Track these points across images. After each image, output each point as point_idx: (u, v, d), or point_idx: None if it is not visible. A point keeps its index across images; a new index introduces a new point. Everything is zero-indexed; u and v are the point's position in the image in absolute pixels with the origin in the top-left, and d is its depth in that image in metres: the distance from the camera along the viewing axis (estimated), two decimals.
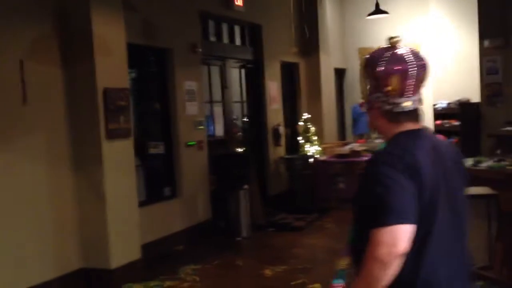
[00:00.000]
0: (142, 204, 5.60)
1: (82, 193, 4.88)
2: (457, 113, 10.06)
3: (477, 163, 3.97)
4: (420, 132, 1.69)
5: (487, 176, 3.84)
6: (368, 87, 1.75)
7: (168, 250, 5.89)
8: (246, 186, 6.67)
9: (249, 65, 8.30)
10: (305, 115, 9.05)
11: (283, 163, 8.71)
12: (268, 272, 5.07)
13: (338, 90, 11.98)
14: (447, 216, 1.64)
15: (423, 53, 1.74)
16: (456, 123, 10.10)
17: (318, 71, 9.88)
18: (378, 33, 11.79)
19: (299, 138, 8.99)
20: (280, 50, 8.91)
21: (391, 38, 1.74)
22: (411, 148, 1.61)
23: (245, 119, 8.39)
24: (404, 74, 1.65)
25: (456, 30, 10.87)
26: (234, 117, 7.99)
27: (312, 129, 8.92)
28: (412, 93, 1.67)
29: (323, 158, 8.60)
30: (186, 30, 6.52)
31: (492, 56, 9.08)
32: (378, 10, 9.49)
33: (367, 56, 1.77)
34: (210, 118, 7.38)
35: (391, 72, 1.66)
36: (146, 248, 5.35)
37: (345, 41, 12.23)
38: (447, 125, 10.44)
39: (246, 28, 8.25)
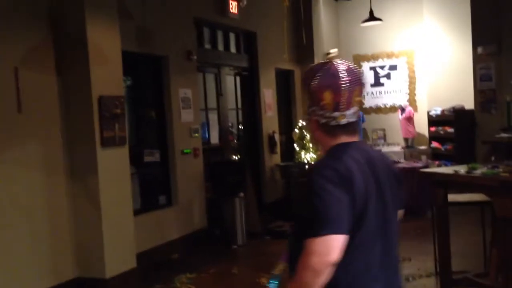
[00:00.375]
0: (137, 212, 5.58)
1: (77, 201, 4.86)
2: (451, 120, 10.10)
3: (471, 170, 3.98)
4: (355, 145, 1.74)
5: (481, 183, 3.85)
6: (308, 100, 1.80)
7: (164, 259, 5.87)
8: (241, 194, 6.66)
9: (244, 73, 8.32)
10: (301, 122, 9.06)
11: (278, 171, 8.71)
12: (264, 280, 5.05)
13: None
14: (377, 228, 1.69)
15: (358, 69, 1.78)
16: (450, 130, 10.14)
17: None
18: (372, 40, 11.87)
19: (295, 145, 9.00)
20: (275, 58, 8.94)
21: (328, 53, 1.74)
22: (346, 161, 1.66)
23: (240, 127, 8.39)
24: (336, 89, 1.69)
25: (449, 37, 10.94)
26: (230, 124, 8.00)
27: (308, 136, 8.93)
28: (345, 108, 1.72)
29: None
30: (181, 38, 6.53)
31: (485, 63, 9.15)
32: (372, 18, 9.55)
33: (306, 70, 1.82)
34: (206, 125, 7.39)
35: (324, 87, 1.70)
36: (142, 256, 5.33)
37: (340, 48, 12.26)
38: (442, 132, 10.48)
39: (241, 35, 8.27)
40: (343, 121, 1.72)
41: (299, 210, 1.69)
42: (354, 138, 1.76)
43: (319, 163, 1.73)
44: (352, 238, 1.62)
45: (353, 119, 1.74)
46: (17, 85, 4.39)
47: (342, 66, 1.72)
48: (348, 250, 1.61)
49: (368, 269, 1.68)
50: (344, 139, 1.75)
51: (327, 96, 1.70)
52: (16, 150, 4.40)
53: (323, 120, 1.73)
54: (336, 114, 1.71)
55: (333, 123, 1.73)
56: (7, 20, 4.38)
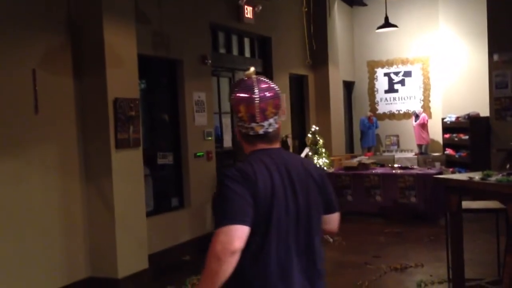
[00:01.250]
0: (150, 214, 5.63)
1: (91, 202, 4.91)
2: (466, 127, 10.02)
3: (486, 177, 3.95)
4: (271, 151, 1.91)
5: (496, 190, 3.82)
6: None
7: (175, 260, 5.90)
8: None
9: None
10: (314, 127, 9.06)
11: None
12: None
13: (346, 103, 12.01)
14: (289, 229, 1.83)
15: (273, 84, 1.94)
16: (465, 137, 10.06)
17: (326, 83, 9.92)
18: (387, 46, 11.85)
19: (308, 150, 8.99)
20: (289, 63, 8.96)
21: (247, 70, 1.96)
22: (253, 163, 1.84)
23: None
24: (249, 103, 1.87)
25: (465, 44, 10.88)
26: None
27: (320, 141, 8.93)
28: (261, 119, 1.88)
29: (331, 170, 8.60)
30: (196, 42, 6.58)
31: (501, 70, 9.07)
32: (387, 24, 9.54)
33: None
34: (219, 129, 7.42)
35: (238, 101, 1.89)
36: (154, 258, 5.37)
37: (354, 54, 12.28)
38: (456, 139, 10.40)
39: (255, 40, 8.31)
40: (261, 131, 1.90)
41: (214, 208, 1.85)
42: (273, 146, 1.94)
43: (233, 167, 1.88)
44: (261, 237, 1.78)
45: (270, 130, 1.91)
46: (34, 86, 4.46)
47: (256, 82, 1.90)
48: (259, 249, 1.78)
49: (279, 269, 1.80)
50: (262, 146, 1.92)
51: (242, 109, 1.88)
52: (32, 151, 4.47)
53: (243, 130, 1.92)
54: (253, 125, 1.89)
55: (252, 133, 1.91)
56: (26, 23, 4.46)
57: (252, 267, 1.79)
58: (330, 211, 2.03)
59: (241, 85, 1.91)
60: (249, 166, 1.84)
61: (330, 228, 2.09)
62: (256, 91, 1.87)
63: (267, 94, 1.89)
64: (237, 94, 1.89)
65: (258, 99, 1.86)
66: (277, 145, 1.95)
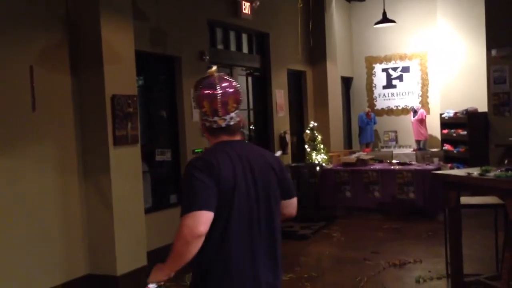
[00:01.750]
0: (148, 211, 5.62)
1: (89, 199, 4.90)
2: (464, 122, 10.03)
3: (484, 172, 3.95)
4: (232, 143, 2.09)
5: (494, 186, 3.82)
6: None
7: None
8: None
9: (256, 73, 8.33)
10: (312, 123, 9.06)
11: (289, 171, 8.71)
12: None
13: (344, 99, 12.01)
14: (250, 215, 2.00)
15: (233, 81, 2.12)
16: (463, 132, 10.07)
17: (325, 79, 9.91)
18: (385, 42, 11.84)
19: (306, 146, 9.00)
20: (287, 58, 8.95)
21: (209, 68, 2.13)
22: (217, 154, 2.01)
23: (252, 127, 8.41)
24: (212, 98, 2.04)
25: (463, 39, 10.87)
26: (241, 124, 8.01)
27: (319, 137, 8.93)
28: (223, 113, 2.06)
29: (330, 166, 8.60)
30: (194, 38, 6.56)
31: (499, 66, 9.08)
32: (385, 19, 9.52)
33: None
34: None
35: (202, 96, 2.06)
36: (152, 254, 5.36)
37: (352, 50, 12.26)
38: (454, 134, 10.41)
39: (253, 36, 8.29)
40: (223, 124, 2.08)
41: (181, 196, 2.02)
42: (235, 138, 2.12)
43: (196, 156, 2.06)
44: (224, 223, 1.94)
45: (232, 123, 2.09)
46: (32, 84, 4.44)
47: (218, 79, 2.07)
48: (222, 233, 1.95)
49: (242, 251, 1.97)
50: (225, 138, 2.09)
51: (206, 104, 2.06)
52: (30, 148, 4.46)
53: (207, 124, 2.10)
54: (216, 119, 2.07)
55: (215, 126, 2.08)
56: (23, 20, 4.44)
57: (216, 250, 1.95)
58: (288, 196, 2.24)
59: (204, 82, 2.08)
60: (213, 156, 1.99)
61: (289, 212, 2.28)
62: (218, 87, 2.04)
63: (228, 90, 2.06)
64: (201, 91, 2.06)
65: (220, 94, 2.04)
66: (238, 137, 2.13)
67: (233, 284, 1.97)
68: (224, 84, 2.06)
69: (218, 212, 1.92)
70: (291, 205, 2.27)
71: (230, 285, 1.97)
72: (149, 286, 2.02)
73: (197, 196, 1.89)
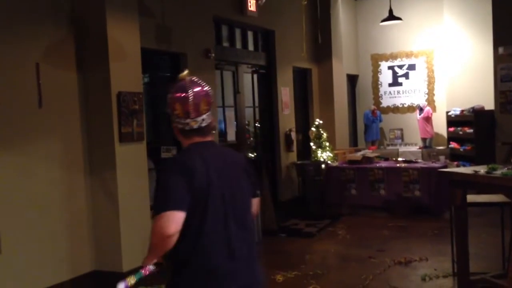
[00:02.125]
0: None
1: (95, 196, 4.92)
2: (471, 120, 9.98)
3: (491, 170, 3.93)
4: (205, 144, 2.16)
5: (501, 184, 3.80)
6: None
7: None
8: (257, 191, 6.66)
9: (261, 71, 8.32)
10: (317, 121, 9.04)
11: (294, 169, 8.71)
12: (279, 277, 5.06)
13: (350, 96, 11.97)
14: (225, 213, 2.07)
15: (204, 84, 2.18)
16: (469, 130, 10.02)
17: (330, 77, 9.88)
18: (391, 39, 11.79)
19: (311, 143, 8.98)
20: (292, 56, 8.93)
21: (181, 73, 2.19)
22: (191, 154, 2.08)
23: (257, 124, 8.40)
24: (184, 101, 2.10)
25: (470, 37, 10.81)
26: (246, 122, 8.01)
27: (324, 135, 8.91)
28: (195, 115, 2.12)
29: (335, 164, 8.58)
30: (199, 35, 6.56)
31: (506, 63, 9.01)
32: (391, 17, 9.47)
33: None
34: (223, 122, 7.41)
35: (174, 99, 2.13)
36: None
37: (358, 47, 12.22)
38: (461, 132, 10.36)
39: (259, 33, 8.28)
40: (195, 126, 2.13)
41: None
42: (207, 139, 2.18)
43: (170, 158, 2.10)
44: (200, 220, 2.01)
45: (204, 124, 2.15)
46: (38, 80, 4.46)
47: (189, 82, 2.14)
48: (199, 230, 2.01)
49: (217, 250, 2.04)
50: (198, 140, 2.16)
51: (178, 107, 2.12)
52: (36, 145, 4.47)
53: (180, 126, 2.15)
54: (188, 120, 2.12)
55: (187, 128, 2.14)
56: (30, 16, 4.45)
57: (192, 247, 2.02)
58: (254, 195, 2.32)
59: (177, 85, 2.15)
60: (187, 157, 2.08)
61: (254, 211, 2.33)
62: (190, 90, 2.11)
63: (200, 93, 2.13)
64: (173, 94, 2.13)
65: (192, 97, 2.10)
66: (210, 138, 2.20)
67: (210, 279, 2.03)
68: (195, 87, 2.13)
69: (193, 211, 1.99)
70: (255, 204, 2.35)
71: (207, 280, 2.03)
72: (149, 267, 2.10)
73: (169, 196, 1.96)
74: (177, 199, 1.95)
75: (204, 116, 2.14)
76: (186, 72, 2.20)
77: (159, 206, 1.96)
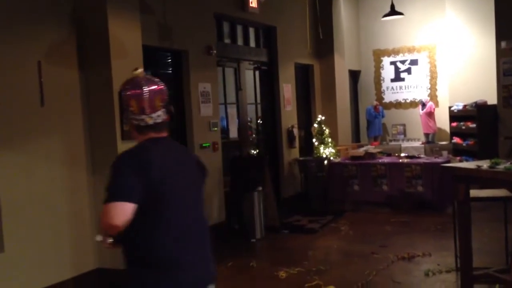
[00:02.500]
0: None
1: (98, 194, 4.92)
2: (473, 115, 9.95)
3: (494, 165, 3.92)
4: (159, 139, 2.19)
5: (504, 178, 3.79)
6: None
7: None
8: (260, 188, 6.67)
9: (263, 67, 8.31)
10: (320, 117, 9.03)
11: (297, 165, 8.70)
12: (282, 274, 5.07)
13: (352, 92, 11.95)
14: (182, 204, 2.13)
15: (158, 81, 2.23)
16: (472, 125, 9.99)
17: (332, 72, 9.86)
18: (393, 34, 11.76)
19: (313, 140, 8.98)
20: (294, 52, 8.92)
21: (134, 70, 2.23)
22: (145, 149, 2.12)
23: (259, 121, 8.40)
24: (139, 98, 2.15)
25: (472, 31, 10.77)
26: (249, 119, 8.01)
27: (327, 131, 8.90)
28: (150, 112, 2.16)
29: (338, 160, 8.58)
30: (201, 32, 6.55)
31: (509, 58, 8.98)
32: (393, 12, 9.45)
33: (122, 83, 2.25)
34: (225, 119, 7.41)
35: (129, 96, 2.16)
36: None
37: (360, 43, 12.19)
38: (463, 127, 10.34)
39: (260, 29, 8.27)
40: (150, 122, 2.17)
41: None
42: (162, 135, 2.22)
43: (123, 151, 2.14)
44: (156, 215, 2.06)
45: (159, 120, 2.19)
46: (40, 79, 4.46)
47: (143, 79, 2.18)
48: (154, 225, 2.05)
49: (173, 241, 2.08)
50: (153, 135, 2.19)
51: (133, 103, 2.15)
52: (39, 143, 4.48)
53: (135, 122, 2.18)
54: (144, 117, 2.16)
55: (142, 124, 2.17)
56: (31, 16, 4.45)
57: (149, 237, 2.06)
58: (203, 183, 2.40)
59: (131, 83, 2.18)
60: (143, 150, 2.11)
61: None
62: (145, 87, 2.15)
63: (154, 89, 2.18)
64: (128, 91, 2.16)
65: (147, 93, 2.15)
66: (165, 134, 2.23)
67: (165, 270, 2.06)
68: (150, 84, 2.17)
69: (149, 202, 2.03)
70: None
71: (162, 271, 2.06)
72: (96, 238, 2.15)
73: (121, 187, 2.00)
74: (128, 191, 2.00)
75: (159, 112, 2.18)
76: (140, 69, 2.24)
77: (110, 194, 2.00)
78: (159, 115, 2.18)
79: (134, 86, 2.17)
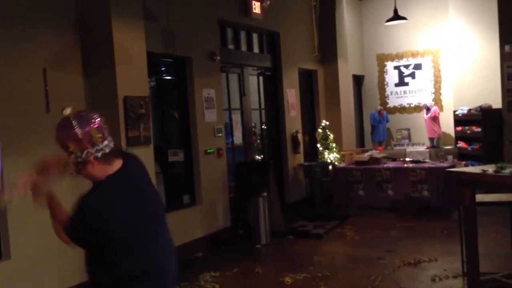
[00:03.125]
0: None
1: None
2: (478, 119, 9.92)
3: (499, 169, 3.91)
4: (117, 173, 2.11)
5: (510, 183, 3.78)
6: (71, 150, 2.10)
7: (188, 257, 5.92)
8: (265, 193, 6.67)
9: (267, 73, 8.33)
10: (324, 122, 9.03)
11: (301, 170, 8.69)
12: (288, 279, 5.05)
13: (356, 97, 11.94)
14: (154, 228, 2.20)
15: (90, 113, 2.12)
16: (477, 129, 9.96)
17: (336, 78, 9.87)
18: (396, 39, 11.76)
19: (318, 145, 8.97)
20: (298, 57, 8.93)
21: (63, 110, 2.11)
22: (109, 193, 2.08)
23: (263, 127, 8.40)
24: (74, 138, 2.04)
25: (476, 35, 10.75)
26: (253, 124, 8.01)
27: (331, 136, 8.89)
28: (92, 146, 2.05)
29: (342, 165, 8.56)
30: (204, 39, 6.57)
31: None
32: (396, 16, 9.45)
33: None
34: (229, 125, 7.42)
35: (63, 139, 2.06)
36: None
37: (363, 48, 12.20)
38: (468, 131, 10.30)
39: (264, 35, 8.29)
40: (98, 155, 2.07)
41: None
42: (115, 164, 2.13)
43: (88, 194, 2.13)
44: (130, 246, 2.08)
45: (107, 150, 2.09)
46: (45, 86, 4.48)
47: (73, 118, 2.05)
48: (126, 255, 2.08)
49: (152, 260, 2.14)
50: (105, 168, 2.10)
51: (71, 145, 2.05)
52: (44, 149, 4.48)
53: (80, 160, 2.08)
54: (86, 154, 2.06)
55: (88, 159, 2.07)
56: (36, 22, 4.48)
57: (129, 265, 2.09)
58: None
59: (61, 125, 2.07)
60: (101, 199, 2.08)
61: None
62: (76, 125, 2.03)
63: (87, 122, 2.06)
64: (60, 134, 2.07)
65: (80, 131, 2.03)
66: (118, 161, 2.15)
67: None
68: (80, 121, 2.06)
69: (126, 237, 2.07)
70: None
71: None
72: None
73: (76, 229, 2.13)
74: (83, 239, 2.12)
75: (105, 142, 2.10)
76: (68, 109, 2.12)
77: (71, 229, 2.13)
78: (107, 145, 2.10)
79: (64, 128, 2.06)
